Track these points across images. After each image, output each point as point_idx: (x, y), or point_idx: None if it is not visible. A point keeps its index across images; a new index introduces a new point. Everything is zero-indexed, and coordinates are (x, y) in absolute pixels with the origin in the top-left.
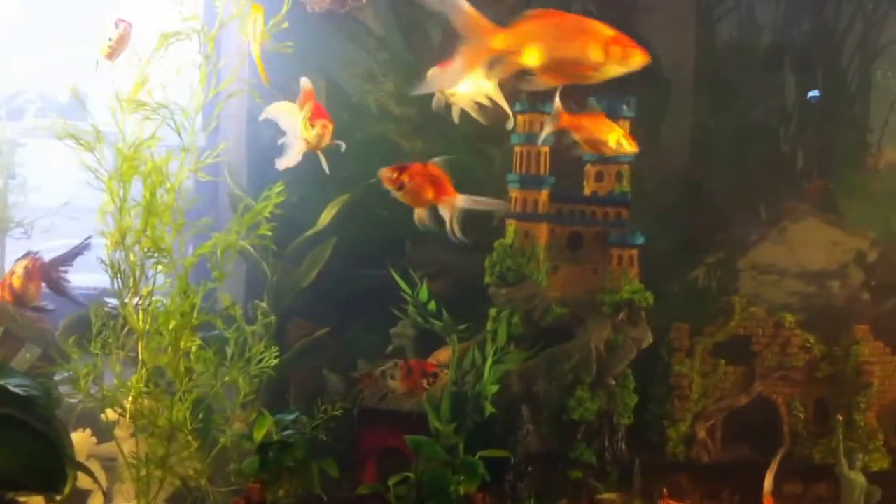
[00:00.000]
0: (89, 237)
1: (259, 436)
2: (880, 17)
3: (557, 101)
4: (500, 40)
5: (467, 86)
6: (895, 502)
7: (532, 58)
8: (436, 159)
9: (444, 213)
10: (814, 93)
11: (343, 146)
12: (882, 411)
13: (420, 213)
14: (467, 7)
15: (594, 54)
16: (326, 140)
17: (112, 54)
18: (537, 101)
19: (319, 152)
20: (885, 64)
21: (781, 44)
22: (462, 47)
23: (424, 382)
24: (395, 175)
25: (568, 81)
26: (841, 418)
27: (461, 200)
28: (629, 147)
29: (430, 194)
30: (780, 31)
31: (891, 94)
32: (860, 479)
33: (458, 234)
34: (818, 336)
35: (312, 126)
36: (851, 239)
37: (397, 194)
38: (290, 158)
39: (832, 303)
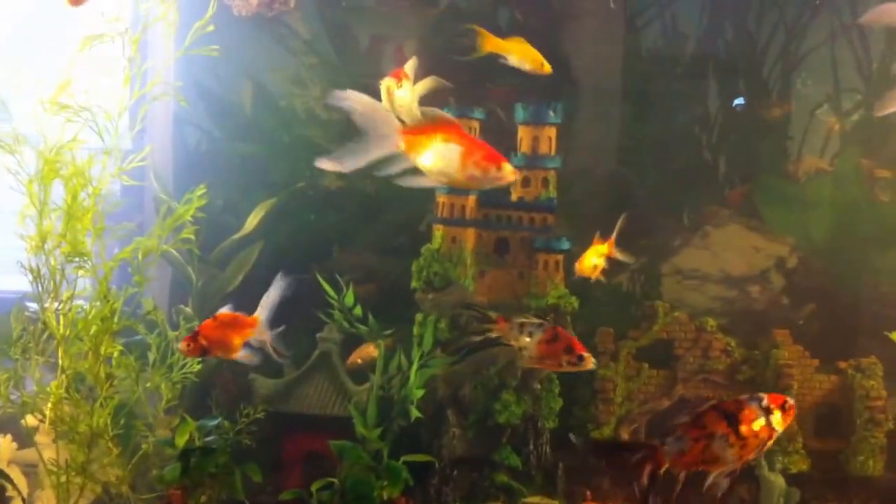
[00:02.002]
0: None
1: (181, 442)
2: (801, 27)
3: None
4: None
5: (406, 96)
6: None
7: None
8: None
9: (259, 342)
10: (739, 100)
11: None
12: (801, 414)
13: (243, 358)
14: None
15: None
16: None
17: None
18: (464, 107)
19: None
20: (805, 73)
21: (705, 52)
22: None
23: (564, 360)
24: (190, 345)
25: None
26: None
27: (264, 322)
28: None
29: (236, 340)
30: (704, 40)
31: (811, 102)
32: (779, 480)
33: (283, 352)
34: (739, 340)
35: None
36: (772, 245)
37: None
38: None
39: (753, 307)
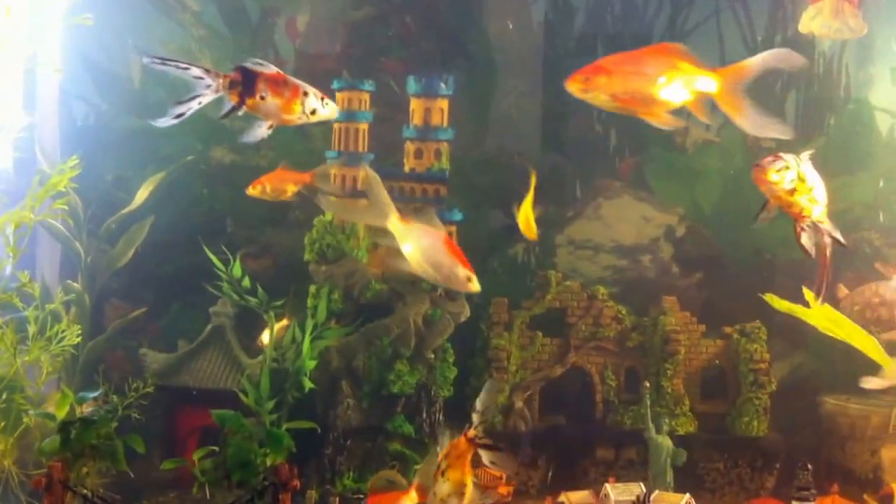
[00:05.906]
0: None
1: (61, 414)
2: (687, 1)
3: None
4: None
5: None
6: (699, 464)
7: None
8: None
9: None
10: None
11: None
12: (688, 378)
13: None
14: None
15: None
16: None
17: None
18: (355, 79)
19: None
20: (691, 46)
21: (594, 25)
22: None
23: None
24: None
25: None
26: (648, 385)
27: None
28: None
29: None
30: (593, 13)
31: None
32: (667, 442)
33: None
34: (629, 307)
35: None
36: (662, 215)
37: None
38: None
39: (643, 275)
